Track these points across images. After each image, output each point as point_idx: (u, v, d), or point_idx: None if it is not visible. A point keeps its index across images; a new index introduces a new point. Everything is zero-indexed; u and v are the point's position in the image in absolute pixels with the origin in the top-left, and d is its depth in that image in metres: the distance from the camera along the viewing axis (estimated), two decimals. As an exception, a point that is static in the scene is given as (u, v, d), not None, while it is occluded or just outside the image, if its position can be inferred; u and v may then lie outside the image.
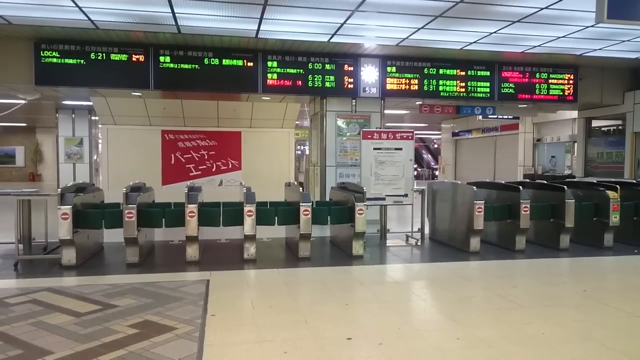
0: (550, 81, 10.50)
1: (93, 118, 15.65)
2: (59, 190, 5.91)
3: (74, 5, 6.71)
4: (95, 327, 3.77)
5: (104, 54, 8.64)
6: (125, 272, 5.71)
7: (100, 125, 13.90)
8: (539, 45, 8.91)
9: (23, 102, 12.52)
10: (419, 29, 7.88)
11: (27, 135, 25.38)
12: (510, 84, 10.31)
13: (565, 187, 7.11)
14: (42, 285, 5.01)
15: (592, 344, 3.60)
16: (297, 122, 15.45)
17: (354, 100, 9.82)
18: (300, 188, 6.91)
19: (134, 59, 8.76)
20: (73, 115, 15.68)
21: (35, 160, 25.86)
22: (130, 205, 5.86)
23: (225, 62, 9.10)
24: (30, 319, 3.94)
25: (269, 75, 9.27)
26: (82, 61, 8.59)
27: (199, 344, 3.46)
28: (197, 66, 9.00)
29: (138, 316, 4.02)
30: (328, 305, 4.51)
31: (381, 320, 4.10)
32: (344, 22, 7.55)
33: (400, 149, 7.83)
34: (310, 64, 9.40)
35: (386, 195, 7.78)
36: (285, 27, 7.82)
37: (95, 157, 16.39)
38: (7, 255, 6.43)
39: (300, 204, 6.30)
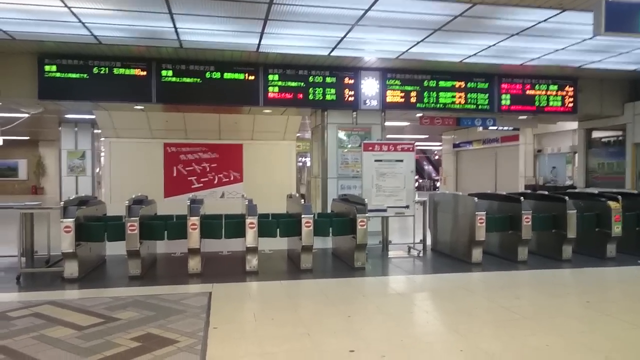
0: (549, 93, 10.56)
1: (95, 131, 15.73)
2: (62, 203, 5.95)
3: (78, 20, 6.81)
4: (97, 340, 3.77)
5: (106, 69, 8.73)
6: (127, 285, 5.71)
7: (102, 138, 13.97)
8: (537, 58, 8.98)
9: (26, 116, 12.61)
10: (419, 42, 7.96)
11: (29, 148, 25.49)
12: (510, 96, 10.37)
13: (566, 197, 7.11)
14: (44, 298, 5.00)
15: (596, 355, 3.58)
16: (298, 134, 15.52)
17: (354, 113, 9.88)
18: (302, 200, 6.93)
19: (136, 73, 8.85)
20: (76, 129, 15.77)
21: (37, 173, 25.93)
22: (132, 218, 5.88)
23: (227, 75, 9.18)
24: (32, 333, 3.94)
25: (270, 89, 9.35)
26: (85, 75, 8.67)
27: (201, 357, 3.45)
28: (198, 80, 9.08)
29: (140, 329, 4.02)
30: (330, 317, 4.50)
31: (384, 333, 4.08)
32: (344, 36, 7.63)
33: (401, 160, 7.85)
34: (311, 77, 9.48)
35: (388, 207, 7.79)
36: (286, 41, 7.91)
37: (97, 170, 16.44)
38: (10, 269, 6.44)
39: (302, 215, 6.32)
